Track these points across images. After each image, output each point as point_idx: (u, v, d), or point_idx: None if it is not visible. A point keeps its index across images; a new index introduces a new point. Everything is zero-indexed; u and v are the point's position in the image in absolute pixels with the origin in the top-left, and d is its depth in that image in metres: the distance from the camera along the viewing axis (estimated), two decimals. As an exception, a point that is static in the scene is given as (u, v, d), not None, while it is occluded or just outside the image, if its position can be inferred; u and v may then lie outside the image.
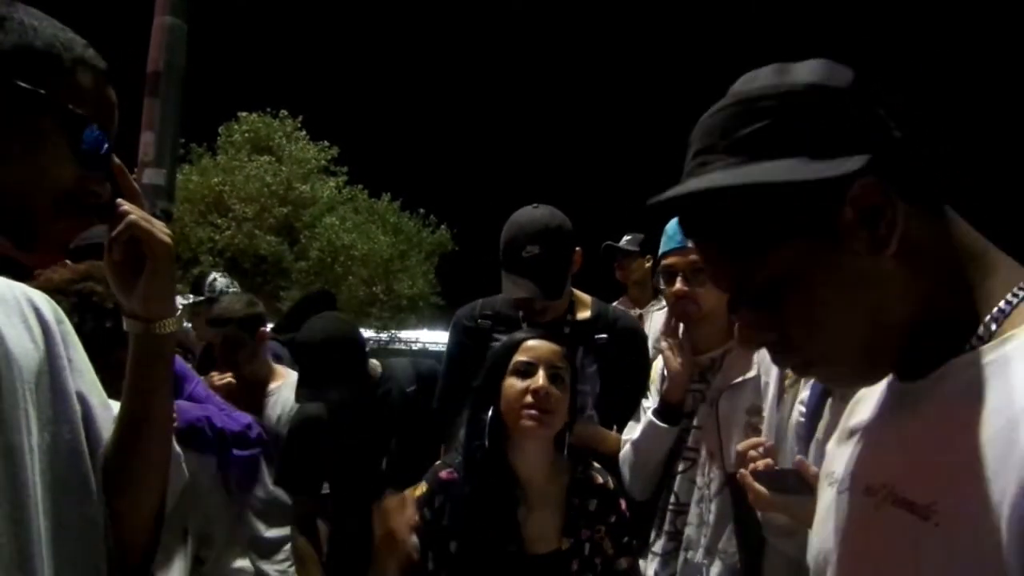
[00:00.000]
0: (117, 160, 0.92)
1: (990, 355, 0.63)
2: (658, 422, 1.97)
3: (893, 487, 0.65)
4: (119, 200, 0.93)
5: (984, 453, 0.57)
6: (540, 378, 1.65)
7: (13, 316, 0.89)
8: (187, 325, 3.46)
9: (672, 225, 2.05)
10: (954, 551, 0.58)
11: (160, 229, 0.95)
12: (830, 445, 0.85)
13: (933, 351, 0.67)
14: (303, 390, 2.33)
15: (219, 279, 3.55)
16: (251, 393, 2.76)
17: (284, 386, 2.77)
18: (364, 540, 2.38)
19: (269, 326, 3.04)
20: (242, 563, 2.06)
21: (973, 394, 0.61)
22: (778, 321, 0.69)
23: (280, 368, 2.91)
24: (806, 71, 0.69)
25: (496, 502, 1.65)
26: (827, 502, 0.79)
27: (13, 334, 0.87)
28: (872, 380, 0.73)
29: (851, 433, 0.79)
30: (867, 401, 0.79)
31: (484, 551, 1.63)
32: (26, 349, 0.88)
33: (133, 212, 0.93)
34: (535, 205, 2.17)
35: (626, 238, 3.91)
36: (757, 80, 0.71)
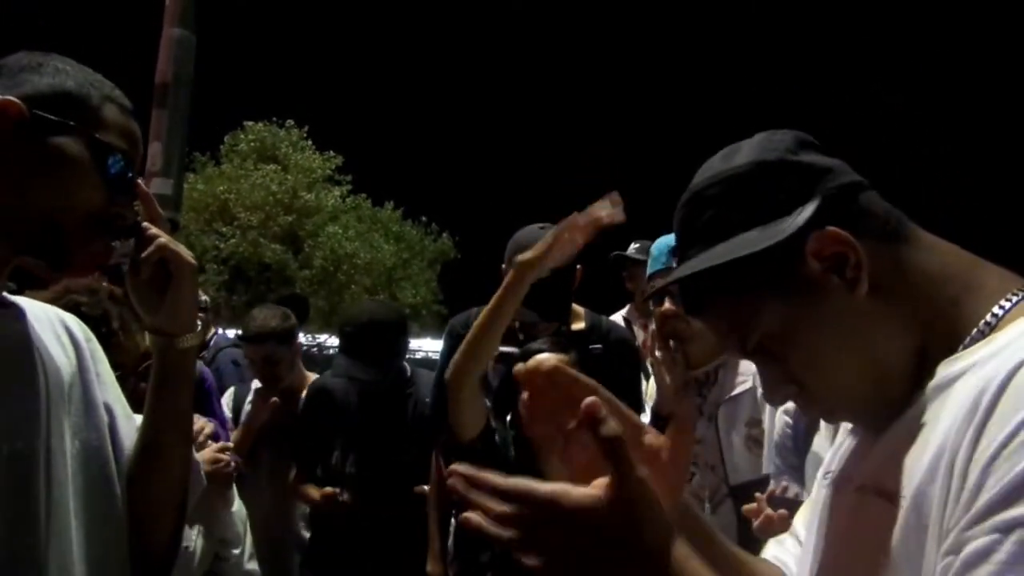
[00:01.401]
0: (143, 186, 0.99)
1: (971, 357, 0.66)
2: None
3: (876, 480, 0.70)
4: (146, 224, 1.01)
5: (941, 441, 0.62)
6: None
7: (48, 334, 0.98)
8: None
9: (658, 246, 2.10)
10: (907, 529, 0.63)
11: (185, 251, 1.03)
12: (831, 445, 0.89)
13: (929, 361, 0.70)
14: (341, 363, 2.46)
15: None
16: (285, 402, 2.80)
17: None
18: (390, 524, 2.45)
19: (238, 332, 3.12)
20: (253, 566, 2.11)
21: (947, 395, 0.65)
22: (790, 375, 0.74)
23: (310, 374, 2.96)
24: (745, 151, 0.77)
25: None
26: (822, 498, 0.82)
27: (50, 350, 0.96)
28: (894, 414, 0.73)
29: (849, 434, 0.83)
30: None
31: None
32: (61, 363, 0.97)
33: (161, 234, 1.01)
34: (541, 225, 2.20)
35: (634, 246, 3.83)
36: (707, 171, 0.78)
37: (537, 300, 2.09)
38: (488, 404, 1.81)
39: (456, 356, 1.73)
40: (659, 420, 2.01)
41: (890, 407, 0.72)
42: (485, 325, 1.71)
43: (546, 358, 1.77)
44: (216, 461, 1.84)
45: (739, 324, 0.75)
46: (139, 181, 0.98)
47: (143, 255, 0.99)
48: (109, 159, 0.91)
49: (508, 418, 1.84)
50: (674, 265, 2.05)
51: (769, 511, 1.59)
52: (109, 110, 0.93)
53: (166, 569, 1.07)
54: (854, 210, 0.72)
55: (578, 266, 2.19)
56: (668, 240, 2.09)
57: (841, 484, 0.79)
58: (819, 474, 0.89)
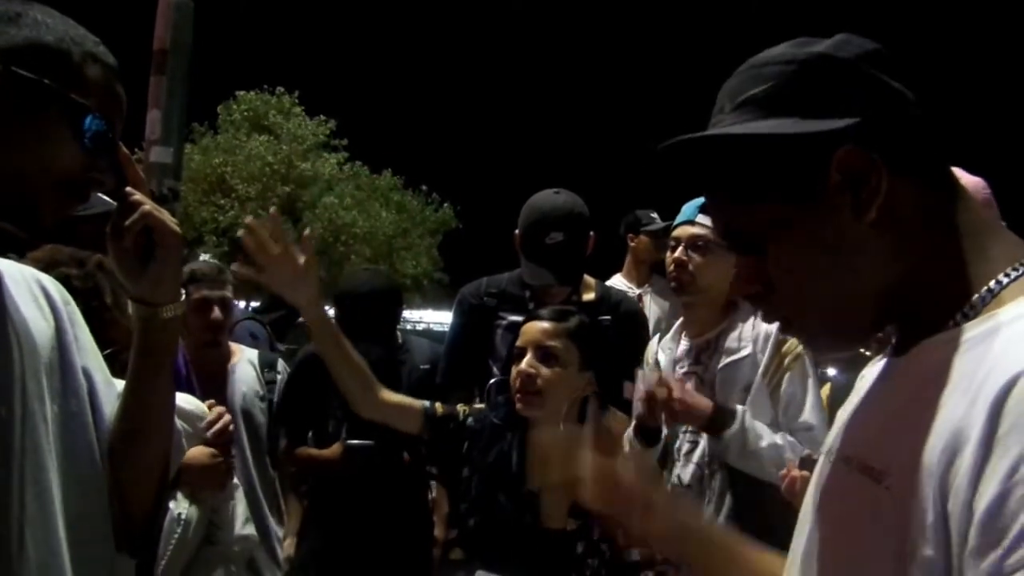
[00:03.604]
0: (124, 149, 0.95)
1: (968, 333, 0.63)
2: (638, 445, 1.95)
3: (860, 454, 0.68)
4: (129, 189, 0.96)
5: (936, 426, 0.60)
6: (523, 362, 1.69)
7: (25, 296, 0.95)
8: None
9: (688, 204, 2.11)
10: (901, 514, 0.60)
11: (169, 219, 0.99)
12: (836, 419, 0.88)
13: (923, 327, 0.68)
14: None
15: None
16: (217, 369, 2.70)
17: (241, 362, 2.77)
18: (377, 498, 2.44)
19: (254, 304, 3.06)
20: (249, 530, 2.13)
21: (940, 371, 0.63)
22: (764, 273, 0.72)
23: (233, 344, 2.86)
24: (821, 44, 0.72)
25: (517, 469, 1.70)
26: (816, 471, 0.81)
27: (27, 312, 0.93)
28: (846, 347, 0.75)
29: (846, 407, 0.81)
30: (870, 377, 0.81)
31: (502, 516, 1.68)
32: (39, 327, 0.93)
33: (145, 201, 0.97)
34: (556, 190, 2.19)
35: (651, 214, 3.75)
36: (774, 50, 0.74)
37: (553, 262, 2.09)
38: (427, 405, 1.82)
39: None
40: (649, 433, 1.94)
41: (842, 337, 0.74)
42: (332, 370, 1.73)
43: (529, 327, 1.74)
44: (214, 457, 1.80)
45: (738, 210, 0.73)
46: (121, 144, 0.94)
47: (126, 223, 0.96)
48: (86, 121, 0.86)
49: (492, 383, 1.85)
50: (698, 219, 2.03)
51: (795, 471, 1.60)
52: (90, 68, 0.88)
53: (147, 537, 1.06)
54: (902, 141, 0.69)
55: (591, 233, 2.19)
56: (697, 201, 2.07)
57: (832, 456, 0.76)
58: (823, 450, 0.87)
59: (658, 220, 3.67)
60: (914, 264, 0.68)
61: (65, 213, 0.89)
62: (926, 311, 0.68)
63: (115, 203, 0.98)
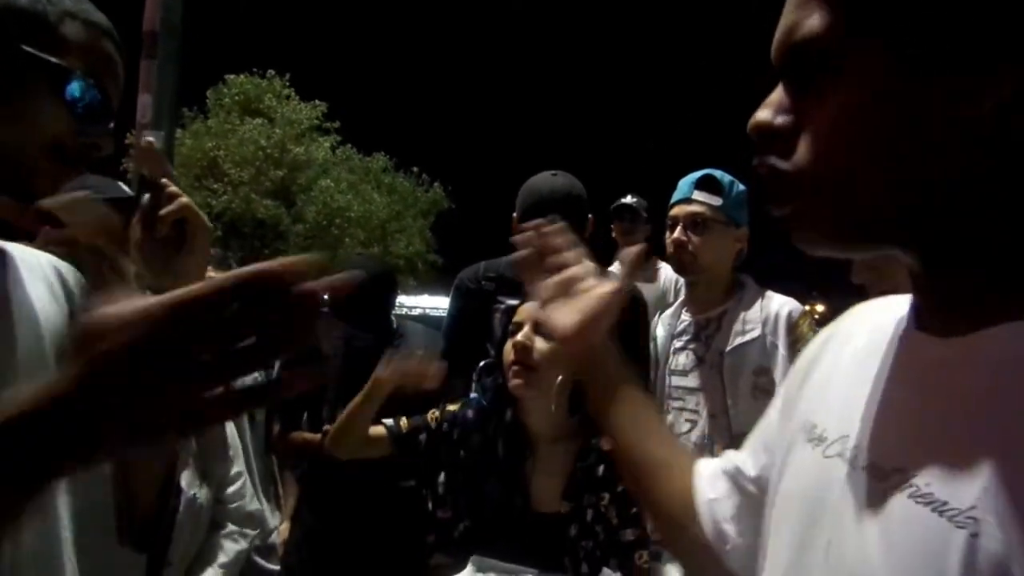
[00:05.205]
0: (153, 141, 0.95)
1: None
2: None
3: (914, 476, 0.52)
4: (165, 180, 0.95)
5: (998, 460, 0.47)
6: (520, 334, 1.65)
7: (39, 281, 0.93)
8: None
9: (683, 180, 2.10)
10: (991, 561, 0.46)
11: (202, 213, 0.98)
12: (801, 390, 0.72)
13: (984, 301, 0.53)
14: (334, 326, 2.41)
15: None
16: None
17: None
18: (371, 483, 2.41)
19: None
20: (256, 506, 2.14)
21: (997, 383, 0.50)
22: (798, 117, 0.58)
23: None
24: None
25: (505, 453, 1.69)
26: (808, 463, 0.64)
27: (41, 298, 0.91)
28: (844, 241, 0.59)
29: (830, 377, 0.67)
30: (852, 341, 0.68)
31: (491, 501, 1.67)
32: (51, 313, 0.92)
33: (181, 193, 0.95)
34: (553, 172, 2.17)
35: (631, 199, 3.76)
36: None
37: None
38: (391, 425, 1.82)
39: (334, 428, 1.82)
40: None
41: (851, 233, 0.57)
42: (354, 415, 1.79)
43: (529, 306, 1.70)
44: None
45: (836, 27, 0.54)
46: (149, 138, 0.93)
47: (163, 212, 0.94)
48: (70, 84, 0.82)
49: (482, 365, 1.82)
50: (694, 196, 2.03)
51: None
52: (69, 27, 0.83)
53: (153, 531, 1.05)
54: None
55: (590, 216, 2.18)
56: (692, 177, 2.08)
57: (850, 456, 0.60)
58: (804, 430, 0.67)
59: (628, 200, 3.74)
60: (993, 199, 0.53)
61: (62, 181, 0.87)
62: (1000, 280, 0.53)
63: (126, 190, 0.97)
